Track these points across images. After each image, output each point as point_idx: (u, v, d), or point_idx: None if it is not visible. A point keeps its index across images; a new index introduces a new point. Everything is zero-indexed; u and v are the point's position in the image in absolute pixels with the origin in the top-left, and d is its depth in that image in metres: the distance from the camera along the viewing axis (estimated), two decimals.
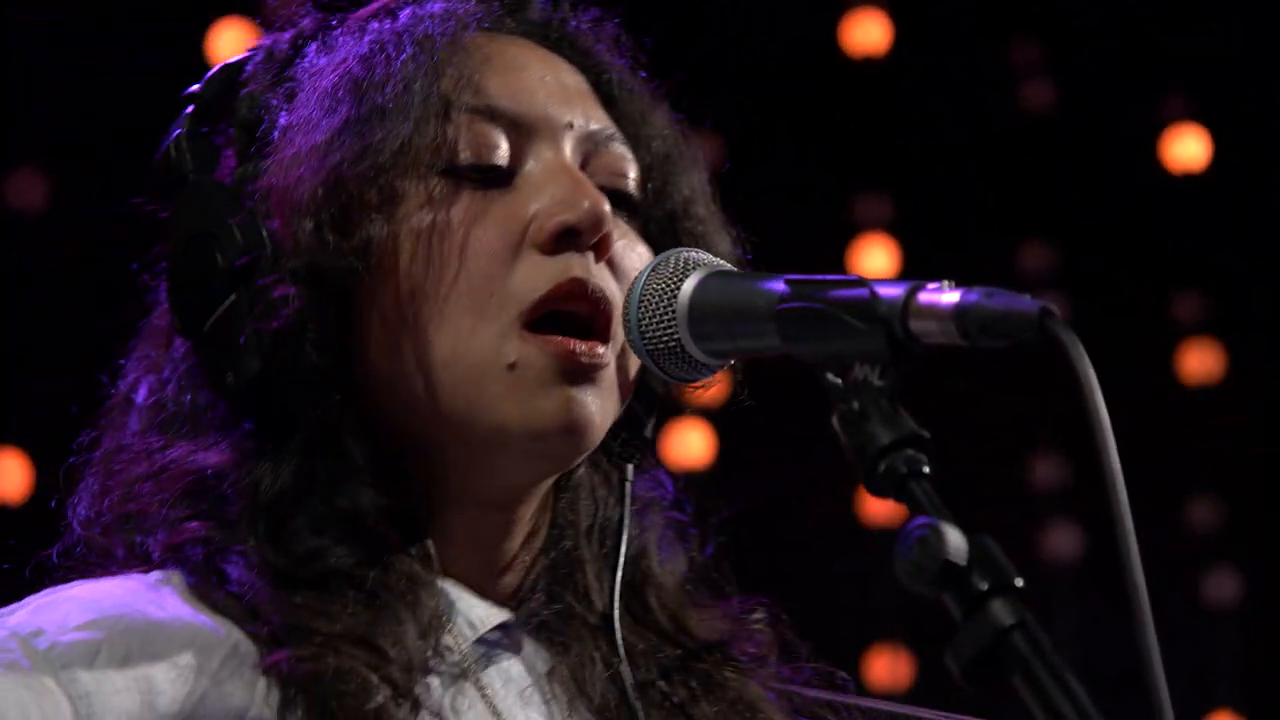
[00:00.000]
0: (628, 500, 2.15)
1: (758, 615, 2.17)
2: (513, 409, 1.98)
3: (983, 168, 5.22)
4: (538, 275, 2.01)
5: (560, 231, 2.01)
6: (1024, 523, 5.23)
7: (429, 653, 1.96)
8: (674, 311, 1.95)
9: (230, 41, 4.35)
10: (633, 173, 2.11)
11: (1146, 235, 5.27)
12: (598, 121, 2.10)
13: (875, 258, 5.16)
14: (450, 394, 1.99)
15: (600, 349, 2.01)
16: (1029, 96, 5.23)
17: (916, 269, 4.64)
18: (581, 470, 2.15)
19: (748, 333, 1.90)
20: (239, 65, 2.13)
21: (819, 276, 1.83)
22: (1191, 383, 5.35)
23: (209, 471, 1.99)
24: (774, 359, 1.92)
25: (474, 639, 2.01)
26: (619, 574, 2.12)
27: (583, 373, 2.00)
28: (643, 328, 1.97)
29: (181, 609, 1.93)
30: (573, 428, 2.00)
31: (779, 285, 1.86)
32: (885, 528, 5.10)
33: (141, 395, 2.09)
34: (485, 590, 2.05)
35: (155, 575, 1.98)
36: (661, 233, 2.13)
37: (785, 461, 4.65)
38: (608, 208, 2.03)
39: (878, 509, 5.09)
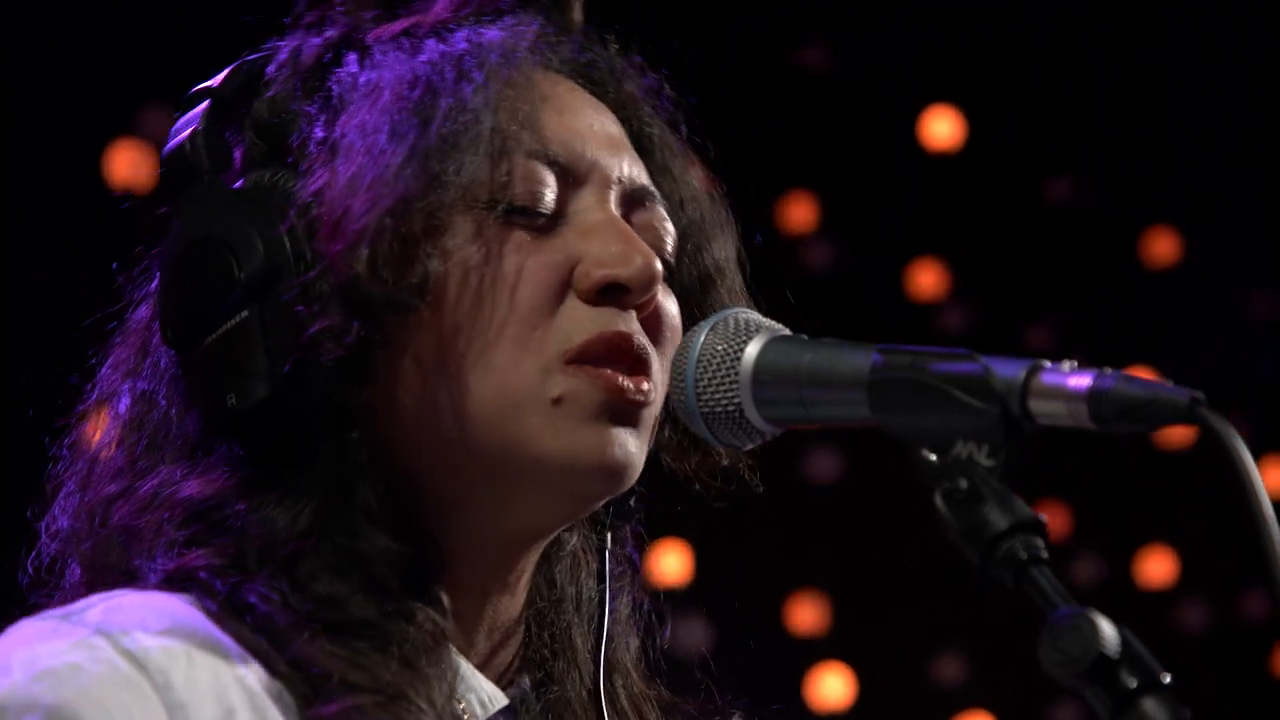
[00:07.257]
0: (608, 575, 2.11)
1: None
2: (554, 442, 1.92)
3: None
4: (582, 321, 1.94)
5: (608, 284, 1.95)
6: None
7: (449, 718, 1.90)
8: (736, 374, 1.87)
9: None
10: (671, 234, 2.06)
11: None
12: (641, 178, 2.04)
13: None
14: (487, 428, 1.92)
15: (647, 385, 1.95)
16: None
17: None
18: (576, 537, 2.10)
19: (827, 400, 1.82)
20: (260, 64, 2.02)
21: (918, 347, 1.76)
22: None
23: (205, 499, 1.90)
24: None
25: (484, 717, 1.96)
26: (603, 658, 2.08)
27: (627, 412, 1.94)
28: (699, 389, 1.88)
29: (227, 638, 1.83)
30: (612, 466, 1.94)
31: (868, 354, 1.79)
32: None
33: (124, 404, 1.99)
34: (482, 664, 1.99)
35: (181, 597, 1.86)
36: (688, 297, 2.07)
37: None
38: (659, 267, 1.97)
39: None
